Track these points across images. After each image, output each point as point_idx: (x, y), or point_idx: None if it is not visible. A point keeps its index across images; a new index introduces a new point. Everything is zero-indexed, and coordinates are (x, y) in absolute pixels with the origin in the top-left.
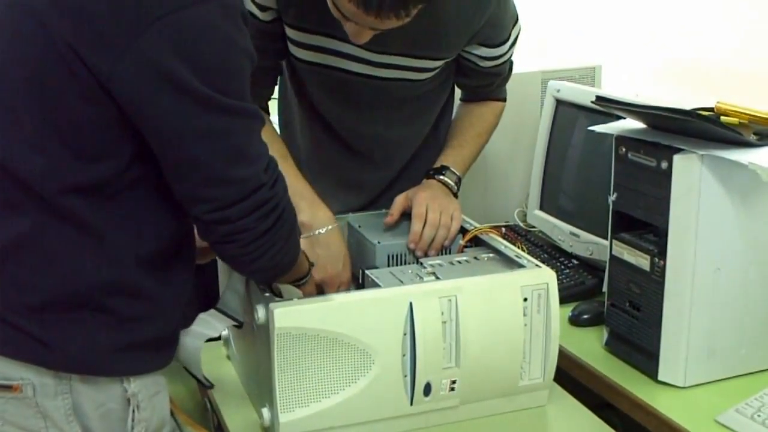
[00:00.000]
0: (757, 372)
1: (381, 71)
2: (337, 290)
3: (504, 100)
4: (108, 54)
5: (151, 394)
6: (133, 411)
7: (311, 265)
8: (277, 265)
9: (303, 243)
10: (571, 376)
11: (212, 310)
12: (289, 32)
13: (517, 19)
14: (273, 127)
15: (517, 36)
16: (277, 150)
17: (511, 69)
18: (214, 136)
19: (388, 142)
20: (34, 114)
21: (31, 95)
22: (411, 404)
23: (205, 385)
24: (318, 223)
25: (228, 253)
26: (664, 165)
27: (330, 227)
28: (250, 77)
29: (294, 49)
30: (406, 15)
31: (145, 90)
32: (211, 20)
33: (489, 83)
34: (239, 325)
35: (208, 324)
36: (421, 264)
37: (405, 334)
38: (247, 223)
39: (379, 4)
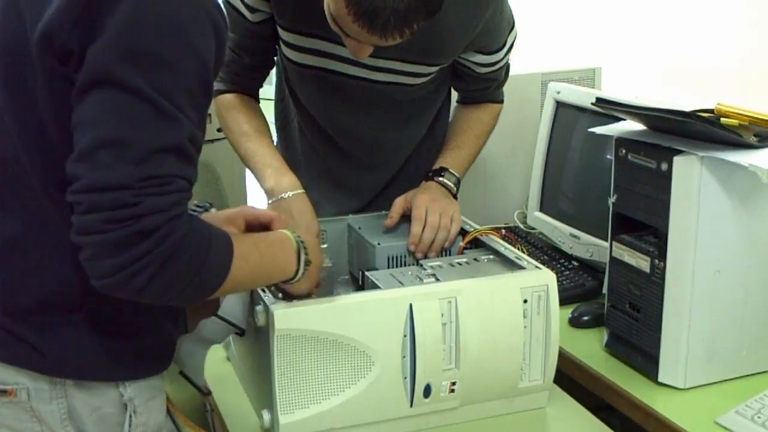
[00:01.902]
0: (757, 374)
1: (376, 75)
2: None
3: (501, 101)
4: (65, 31)
5: (147, 398)
6: (130, 416)
7: (303, 263)
8: (163, 297)
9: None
10: (571, 378)
11: (213, 317)
12: (284, 35)
13: (513, 25)
14: (254, 104)
15: (513, 42)
16: (253, 124)
17: (507, 73)
18: (103, 106)
19: (383, 145)
20: (8, 106)
21: (7, 87)
22: (411, 406)
23: (203, 392)
24: (281, 189)
25: (87, 266)
26: (664, 166)
27: (293, 193)
28: (199, 87)
29: (288, 52)
30: (410, 33)
31: (79, 41)
32: (167, 8)
33: (485, 87)
34: (241, 333)
35: (211, 331)
36: (421, 266)
37: (405, 336)
38: (93, 222)
39: (383, 25)
